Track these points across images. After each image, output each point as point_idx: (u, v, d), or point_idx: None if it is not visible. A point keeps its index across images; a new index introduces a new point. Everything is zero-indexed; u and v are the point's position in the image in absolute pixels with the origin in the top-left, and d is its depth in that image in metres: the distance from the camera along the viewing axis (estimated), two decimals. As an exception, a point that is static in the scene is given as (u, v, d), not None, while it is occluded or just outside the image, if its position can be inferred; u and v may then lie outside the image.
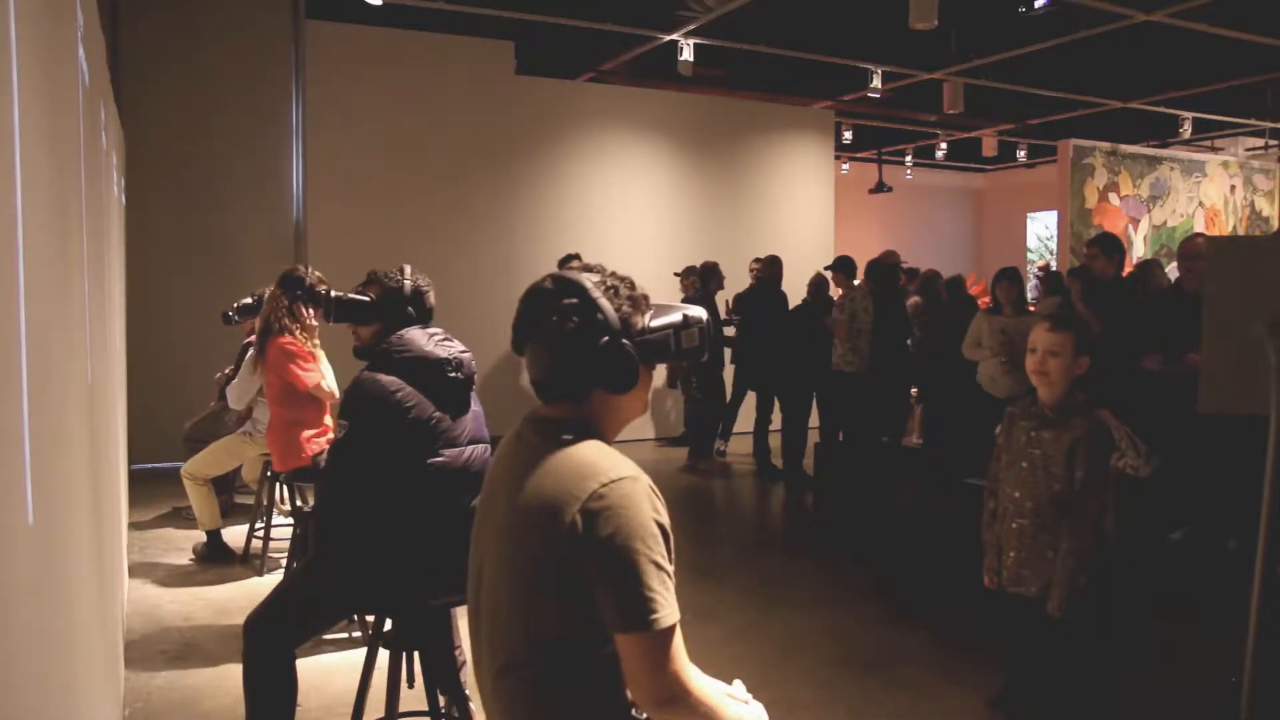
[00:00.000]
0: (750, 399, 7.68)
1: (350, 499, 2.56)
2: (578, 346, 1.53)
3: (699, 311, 1.62)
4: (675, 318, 1.60)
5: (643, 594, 1.42)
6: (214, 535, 4.90)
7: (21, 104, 1.05)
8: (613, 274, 1.60)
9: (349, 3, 7.15)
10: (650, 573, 1.43)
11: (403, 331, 2.59)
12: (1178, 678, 3.69)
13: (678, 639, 1.46)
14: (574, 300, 1.53)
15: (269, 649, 2.59)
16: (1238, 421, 3.04)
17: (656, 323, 1.59)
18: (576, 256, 6.76)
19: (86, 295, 2.05)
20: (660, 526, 1.47)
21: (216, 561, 4.88)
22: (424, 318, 2.71)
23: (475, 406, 2.68)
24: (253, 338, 5.12)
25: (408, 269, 2.78)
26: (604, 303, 1.54)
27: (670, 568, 1.47)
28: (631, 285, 1.60)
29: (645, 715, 1.54)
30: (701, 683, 1.50)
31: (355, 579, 2.55)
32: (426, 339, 2.59)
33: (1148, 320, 5.08)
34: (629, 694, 1.50)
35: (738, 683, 1.73)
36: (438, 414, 2.54)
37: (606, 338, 1.52)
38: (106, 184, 3.34)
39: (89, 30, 2.41)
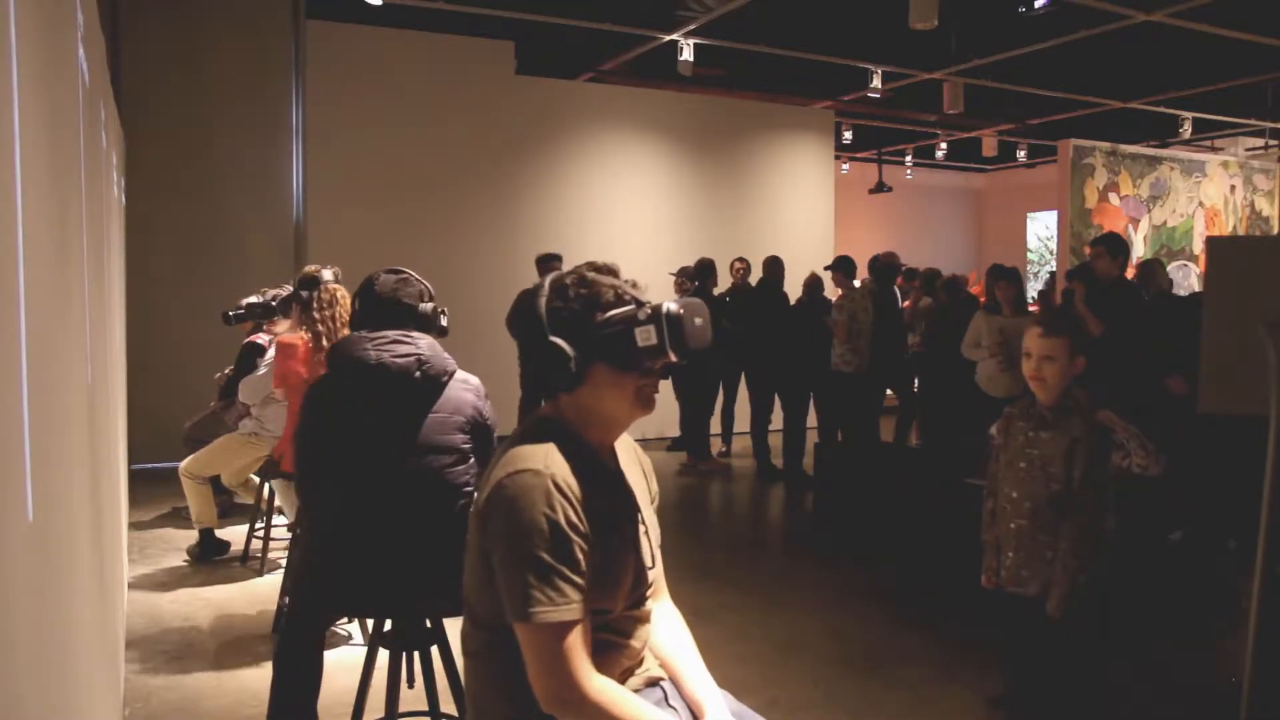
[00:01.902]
0: (741, 398, 7.69)
1: (302, 500, 2.69)
2: (525, 348, 1.61)
3: (666, 306, 1.51)
4: (631, 313, 1.54)
5: (520, 587, 1.45)
6: (207, 533, 4.91)
7: (21, 104, 1.05)
8: (577, 272, 1.59)
9: (349, 3, 7.16)
10: (528, 568, 1.45)
11: (346, 335, 2.62)
12: (1178, 678, 3.69)
13: (572, 642, 1.45)
14: (525, 304, 1.60)
15: (286, 633, 2.68)
16: (1237, 421, 3.04)
17: (613, 318, 1.54)
18: (558, 257, 6.76)
19: (86, 295, 2.05)
20: (553, 524, 1.45)
21: (211, 558, 4.88)
22: (363, 312, 2.66)
23: (448, 411, 2.55)
24: (253, 337, 5.12)
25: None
26: (537, 304, 1.57)
27: (563, 567, 1.45)
28: (586, 284, 1.56)
29: None
30: (609, 695, 1.48)
31: (314, 579, 2.63)
32: (366, 344, 2.52)
33: (1154, 323, 5.08)
34: None
35: None
36: (371, 422, 2.50)
37: (533, 337, 1.57)
38: (106, 184, 3.33)
39: (89, 30, 2.41)
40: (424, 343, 2.57)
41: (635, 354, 1.53)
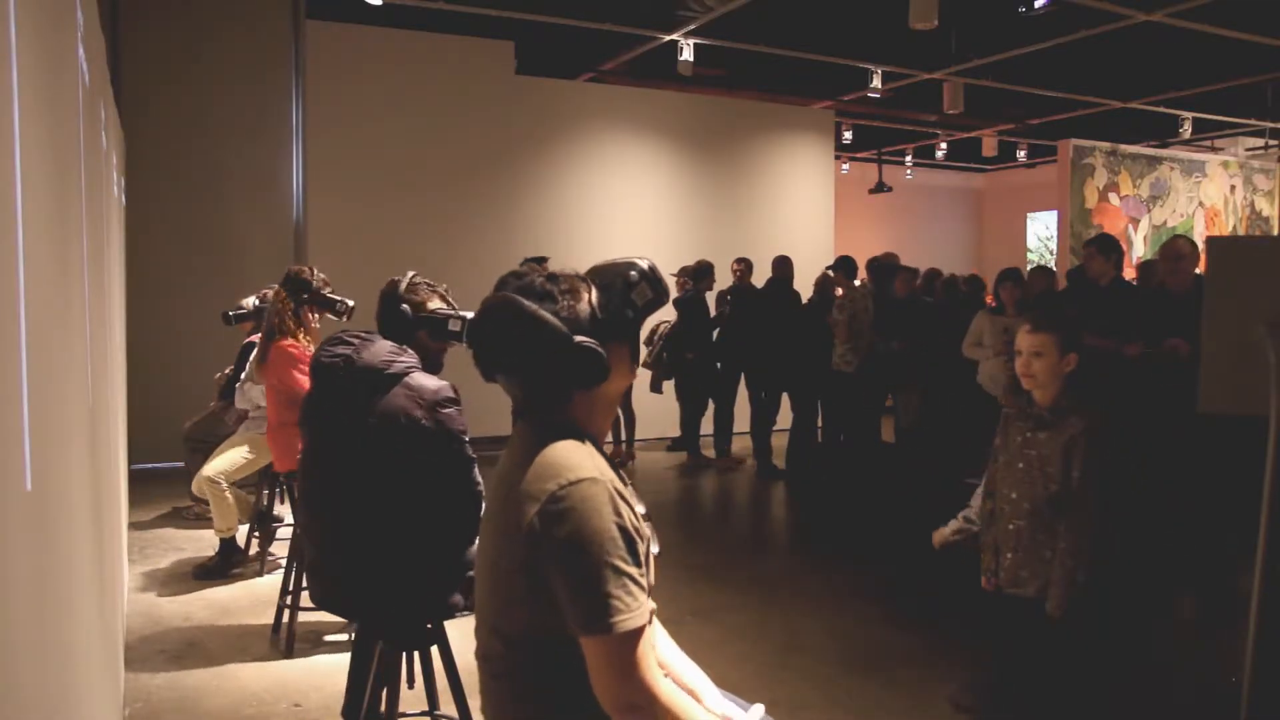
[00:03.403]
0: (741, 397, 7.70)
1: None
2: (539, 365, 1.53)
3: (645, 262, 1.61)
4: (621, 280, 1.58)
5: (600, 598, 1.41)
6: (229, 542, 4.75)
7: (22, 104, 1.05)
8: (540, 275, 1.58)
9: (349, 3, 7.16)
10: (608, 577, 1.41)
11: None
12: (1178, 678, 3.69)
13: (644, 646, 1.45)
14: (517, 323, 1.53)
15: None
16: (1236, 421, 3.04)
17: (612, 294, 1.58)
18: (544, 260, 6.68)
19: (86, 296, 2.05)
20: (623, 529, 1.44)
21: (230, 571, 4.72)
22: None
23: (376, 416, 2.48)
24: (253, 337, 5.12)
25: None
26: (543, 314, 1.52)
27: (635, 570, 1.45)
28: (556, 279, 1.57)
29: None
30: (672, 695, 1.48)
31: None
32: (326, 343, 2.63)
33: (1135, 318, 5.09)
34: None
35: (758, 707, 1.73)
36: (319, 422, 2.59)
37: (559, 346, 1.51)
38: (106, 184, 3.33)
39: (89, 30, 2.41)
40: (370, 347, 2.52)
41: (638, 316, 1.59)
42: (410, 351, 2.56)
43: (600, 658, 1.43)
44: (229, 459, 4.74)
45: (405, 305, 2.62)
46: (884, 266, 7.63)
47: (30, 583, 1.03)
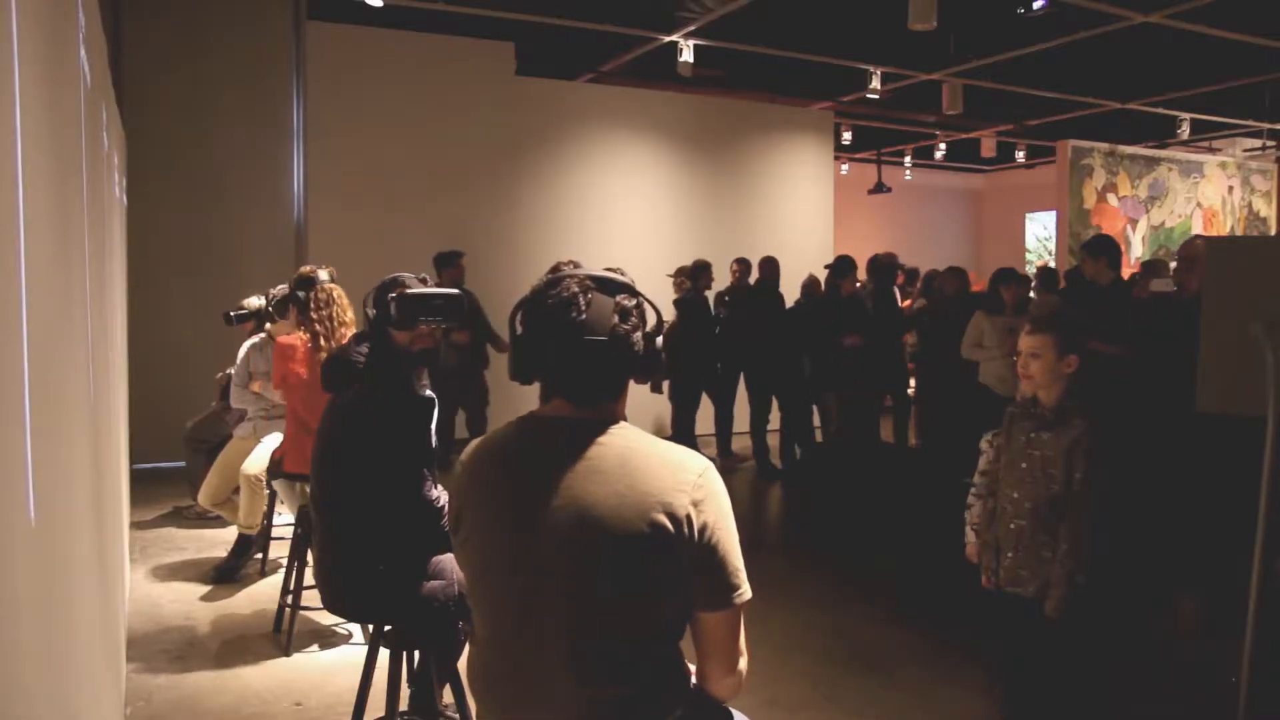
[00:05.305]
0: (740, 397, 7.70)
1: None
2: (634, 345, 1.55)
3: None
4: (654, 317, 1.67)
5: (735, 572, 1.51)
6: (247, 539, 4.73)
7: (23, 104, 1.05)
8: (629, 292, 1.59)
9: (349, 3, 7.16)
10: (738, 552, 1.53)
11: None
12: (1178, 678, 3.69)
13: None
14: (634, 301, 1.56)
15: None
16: (1235, 421, 3.05)
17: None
18: (460, 254, 6.96)
19: (88, 296, 2.06)
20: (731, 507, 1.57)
21: (243, 570, 4.72)
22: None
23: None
24: (255, 338, 5.11)
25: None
26: (638, 313, 1.57)
27: None
28: (641, 292, 1.64)
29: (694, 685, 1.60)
30: None
31: None
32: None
33: (1141, 322, 5.09)
34: (702, 669, 1.58)
35: None
36: None
37: (656, 334, 1.59)
38: (108, 184, 3.34)
39: (90, 31, 2.42)
40: (347, 344, 2.74)
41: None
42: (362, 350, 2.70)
43: (726, 627, 1.53)
44: (269, 455, 4.63)
45: (370, 310, 2.68)
46: (884, 266, 7.64)
47: (32, 581, 1.04)
